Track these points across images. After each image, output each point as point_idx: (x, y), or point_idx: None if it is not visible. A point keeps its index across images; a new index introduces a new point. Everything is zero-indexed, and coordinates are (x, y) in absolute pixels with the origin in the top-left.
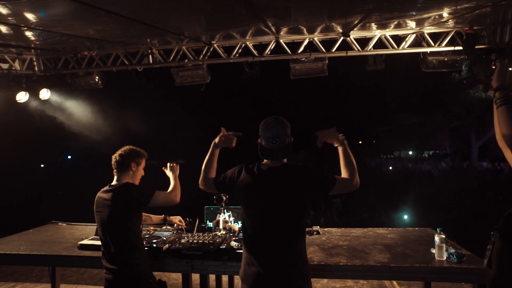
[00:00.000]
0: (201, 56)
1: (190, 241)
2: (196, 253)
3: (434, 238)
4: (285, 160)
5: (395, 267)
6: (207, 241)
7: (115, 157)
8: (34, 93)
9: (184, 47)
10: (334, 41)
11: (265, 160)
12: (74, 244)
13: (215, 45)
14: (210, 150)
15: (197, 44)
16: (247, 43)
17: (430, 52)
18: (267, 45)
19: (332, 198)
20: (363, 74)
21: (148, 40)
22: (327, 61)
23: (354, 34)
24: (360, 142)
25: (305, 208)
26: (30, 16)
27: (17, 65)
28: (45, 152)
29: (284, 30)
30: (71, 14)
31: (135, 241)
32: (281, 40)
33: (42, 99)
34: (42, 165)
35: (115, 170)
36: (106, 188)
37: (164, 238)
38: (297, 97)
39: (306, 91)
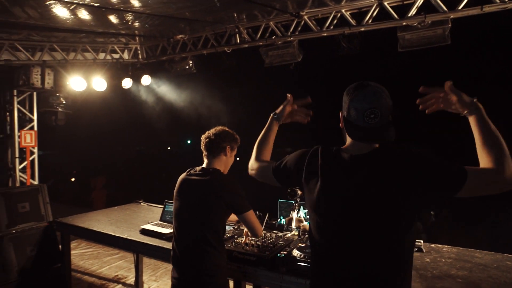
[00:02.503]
0: (290, 31)
1: (247, 241)
2: (248, 258)
3: None
4: (377, 145)
5: None
6: (266, 244)
7: (207, 137)
8: (137, 80)
9: (271, 23)
10: None
11: (348, 143)
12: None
13: (305, 16)
14: (267, 124)
15: (285, 18)
16: (343, 10)
17: None
18: (367, 11)
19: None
20: None
21: (235, 15)
22: (449, 25)
23: None
24: None
25: (412, 218)
26: (135, 2)
27: (125, 55)
28: (173, 136)
29: None
30: None
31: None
32: (385, 3)
33: (144, 85)
34: (169, 148)
35: (205, 153)
36: (195, 171)
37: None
38: (405, 75)
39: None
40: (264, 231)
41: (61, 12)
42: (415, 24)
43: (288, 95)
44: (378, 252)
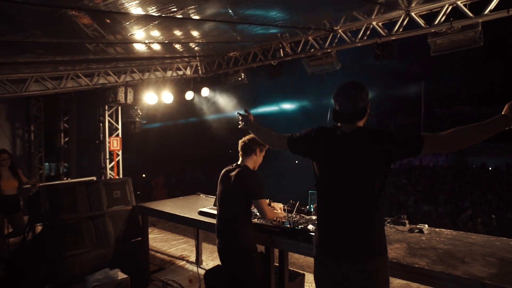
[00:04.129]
0: (327, 43)
1: (277, 219)
2: (274, 229)
3: None
4: (360, 124)
5: (490, 285)
6: (290, 221)
7: (243, 141)
8: (198, 92)
9: (310, 37)
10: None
11: (339, 124)
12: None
13: (340, 30)
14: (253, 128)
15: (322, 32)
16: (373, 23)
17: None
18: (396, 21)
19: None
20: None
21: (279, 34)
22: (480, 28)
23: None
24: None
25: (380, 174)
26: (195, 33)
27: (187, 71)
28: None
29: (415, 0)
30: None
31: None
32: (412, 13)
33: (204, 96)
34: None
35: (241, 153)
36: (231, 167)
37: (257, 214)
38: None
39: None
40: (294, 214)
41: (139, 47)
42: (443, 29)
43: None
44: (360, 198)
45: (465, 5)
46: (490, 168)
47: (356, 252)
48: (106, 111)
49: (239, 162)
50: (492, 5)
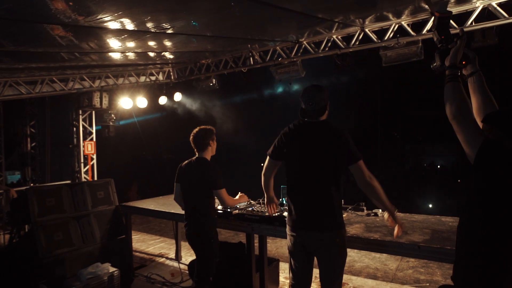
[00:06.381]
0: (293, 53)
1: (255, 210)
2: (254, 217)
3: None
4: (322, 118)
5: (424, 247)
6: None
7: (195, 138)
8: (170, 97)
9: (278, 47)
10: (426, 22)
11: (305, 119)
12: None
13: (305, 42)
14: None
15: (289, 44)
16: (334, 36)
17: None
18: (353, 36)
19: None
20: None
21: (249, 45)
22: (420, 44)
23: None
24: None
25: (333, 157)
26: (168, 44)
27: (160, 76)
28: None
29: (368, 19)
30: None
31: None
32: (366, 29)
33: (176, 100)
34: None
35: (196, 149)
36: (190, 161)
37: (238, 206)
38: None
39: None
40: None
41: (115, 55)
42: (392, 44)
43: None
44: (319, 174)
45: (408, 25)
46: (438, 166)
47: (319, 227)
48: (80, 116)
49: (197, 156)
50: (428, 26)
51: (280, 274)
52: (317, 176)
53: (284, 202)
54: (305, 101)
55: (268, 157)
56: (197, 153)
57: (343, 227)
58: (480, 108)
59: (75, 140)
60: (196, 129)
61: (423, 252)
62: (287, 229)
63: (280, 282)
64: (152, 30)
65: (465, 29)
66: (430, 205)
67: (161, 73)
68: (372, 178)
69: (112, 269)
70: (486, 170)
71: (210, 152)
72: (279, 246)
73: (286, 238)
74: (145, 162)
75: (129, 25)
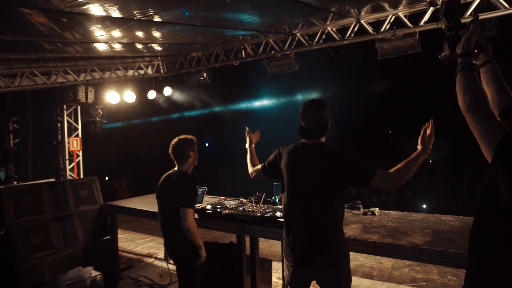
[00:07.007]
0: (286, 46)
1: (246, 209)
2: (245, 218)
3: None
4: (323, 140)
5: (426, 250)
6: (259, 210)
7: (175, 150)
8: (160, 91)
9: (271, 40)
10: (423, 13)
11: (303, 140)
12: None
13: (298, 34)
14: (247, 151)
15: (282, 36)
16: (328, 28)
17: None
18: (348, 27)
19: None
20: None
21: (241, 37)
22: (417, 36)
23: None
24: None
25: (337, 187)
26: (157, 34)
27: (149, 70)
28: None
29: (364, 10)
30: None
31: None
32: (362, 21)
33: (165, 95)
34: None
35: (175, 161)
36: (169, 173)
37: (228, 206)
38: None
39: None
40: (261, 205)
41: (100, 46)
42: (388, 36)
43: (247, 128)
44: (319, 202)
45: (405, 16)
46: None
47: (320, 264)
48: (65, 111)
49: (176, 169)
50: (426, 18)
51: (273, 274)
52: (315, 202)
53: (277, 200)
54: (304, 119)
55: (261, 166)
56: (176, 165)
57: (348, 256)
58: (495, 100)
59: (59, 136)
60: (176, 140)
61: (425, 255)
62: (285, 260)
63: (273, 283)
64: (138, 17)
65: (463, 21)
66: (424, 206)
67: (150, 66)
68: (397, 171)
69: (95, 273)
70: (506, 168)
71: (191, 164)
72: (271, 245)
73: (279, 239)
74: (136, 158)
75: (112, 9)
